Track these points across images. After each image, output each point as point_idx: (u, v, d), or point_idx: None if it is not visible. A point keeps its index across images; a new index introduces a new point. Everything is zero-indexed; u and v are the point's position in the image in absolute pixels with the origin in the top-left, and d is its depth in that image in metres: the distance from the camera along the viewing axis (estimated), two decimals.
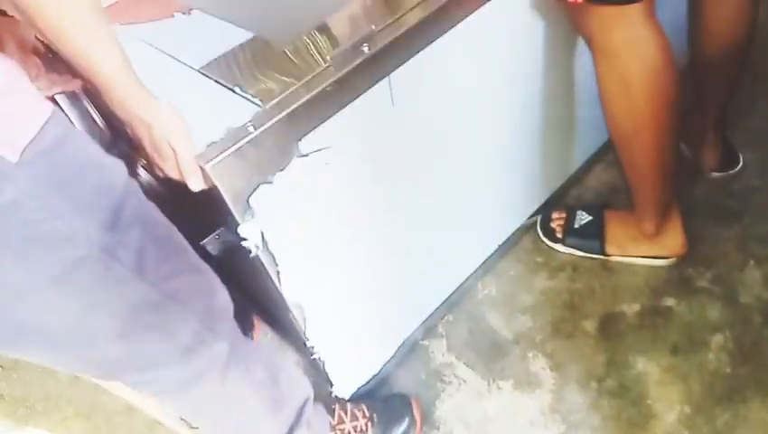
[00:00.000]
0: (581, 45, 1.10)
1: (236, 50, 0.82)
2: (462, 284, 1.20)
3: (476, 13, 0.86)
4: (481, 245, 1.22)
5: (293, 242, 0.79)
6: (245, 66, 0.79)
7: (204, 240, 0.93)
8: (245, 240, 0.72)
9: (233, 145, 0.67)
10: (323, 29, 0.82)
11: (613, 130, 1.01)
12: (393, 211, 0.95)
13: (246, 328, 1.21)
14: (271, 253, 0.76)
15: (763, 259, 1.15)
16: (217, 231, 0.87)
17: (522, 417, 1.03)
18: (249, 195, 0.70)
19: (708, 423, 0.97)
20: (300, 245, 0.81)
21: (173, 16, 0.95)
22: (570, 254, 1.25)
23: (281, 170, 0.72)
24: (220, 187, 0.67)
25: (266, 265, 0.77)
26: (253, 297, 1.22)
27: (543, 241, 1.28)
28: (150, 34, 0.90)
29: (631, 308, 1.14)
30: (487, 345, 1.14)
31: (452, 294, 1.18)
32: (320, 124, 0.74)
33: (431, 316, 1.17)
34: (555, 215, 1.29)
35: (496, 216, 1.22)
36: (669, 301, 1.13)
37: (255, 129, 0.68)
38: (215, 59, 0.81)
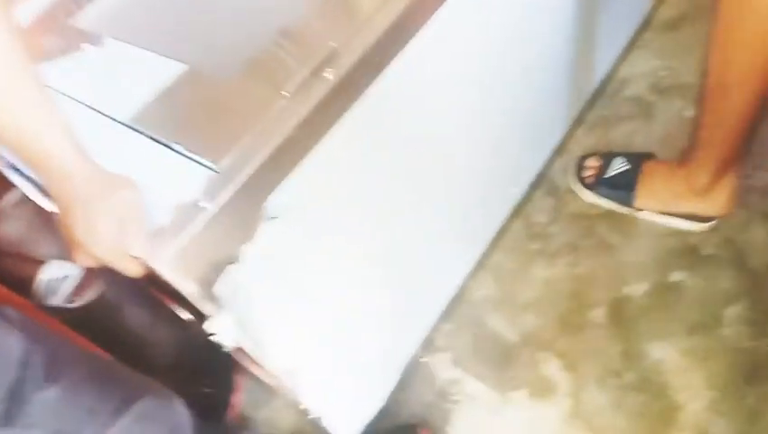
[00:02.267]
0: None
1: (169, 90, 0.67)
2: (457, 290, 1.11)
3: (446, 7, 0.72)
4: (471, 243, 1.12)
5: (272, 315, 0.67)
6: (184, 112, 0.65)
7: None
8: (214, 335, 0.60)
9: (186, 228, 0.54)
10: (273, 54, 0.67)
11: (716, 76, 0.90)
12: (377, 240, 0.83)
13: (226, 389, 1.10)
14: (252, 337, 0.64)
15: (767, 214, 1.09)
16: None
17: (544, 429, 0.97)
18: (213, 284, 0.57)
19: (738, 405, 0.92)
20: (282, 312, 0.69)
21: (79, 48, 0.79)
22: (595, 205, 1.18)
23: (246, 242, 0.60)
24: (175, 284, 0.55)
25: (246, 351, 0.66)
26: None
27: (573, 189, 1.21)
28: (56, 76, 0.73)
29: (639, 288, 1.07)
30: (493, 353, 1.06)
31: (450, 301, 1.09)
32: (286, 175, 0.61)
33: (430, 329, 1.08)
34: (590, 162, 1.21)
35: (483, 210, 1.11)
36: (678, 275, 1.07)
37: (210, 204, 0.55)
38: (145, 106, 0.67)
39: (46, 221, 1.57)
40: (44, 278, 1.33)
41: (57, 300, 1.32)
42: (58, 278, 1.35)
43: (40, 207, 1.34)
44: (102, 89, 0.72)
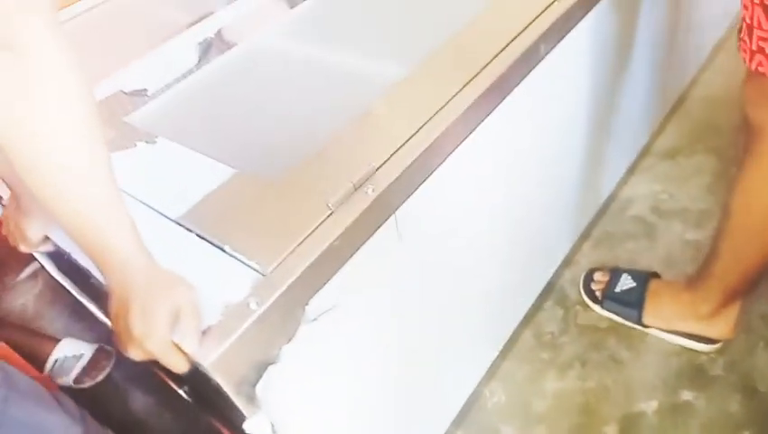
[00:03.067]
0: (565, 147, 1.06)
1: (217, 192, 0.73)
2: (469, 396, 1.11)
3: (473, 135, 0.80)
4: (483, 353, 1.14)
5: (303, 418, 0.68)
6: (231, 214, 0.70)
7: None
8: None
9: (235, 329, 0.56)
10: (316, 165, 0.73)
11: (739, 218, 0.95)
12: (398, 343, 0.86)
13: None
14: None
15: None
16: None
17: None
18: (256, 383, 0.59)
19: None
20: (310, 417, 0.70)
21: (135, 146, 0.85)
22: (605, 318, 1.21)
23: (287, 342, 0.62)
24: (222, 383, 0.57)
25: None
26: (231, 422, 1.09)
27: (583, 300, 1.25)
28: None
29: (649, 406, 1.07)
30: None
31: (461, 409, 1.09)
32: (327, 282, 0.65)
33: None
34: (598, 276, 1.26)
35: (496, 317, 1.14)
36: (687, 395, 1.08)
37: (258, 306, 0.58)
38: (194, 205, 0.71)
39: (57, 296, 1.59)
40: (59, 356, 1.33)
41: (67, 380, 1.31)
42: (70, 357, 1.34)
43: (52, 282, 1.36)
44: (154, 187, 0.77)
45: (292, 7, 1.16)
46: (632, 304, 1.19)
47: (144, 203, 0.74)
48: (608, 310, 1.21)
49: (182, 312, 0.55)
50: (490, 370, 1.16)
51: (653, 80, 1.42)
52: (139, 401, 1.33)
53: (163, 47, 1.07)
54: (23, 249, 0.75)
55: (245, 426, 0.60)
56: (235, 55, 1.05)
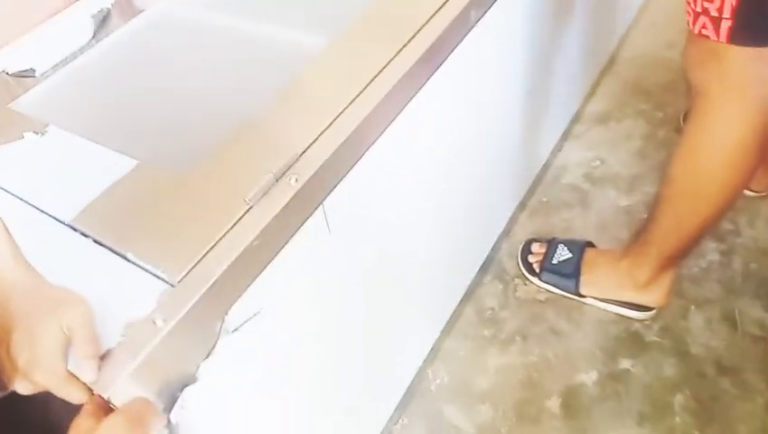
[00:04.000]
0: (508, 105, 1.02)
1: (116, 188, 0.64)
2: (412, 380, 1.08)
3: (404, 111, 0.74)
4: (424, 334, 1.11)
5: (229, 429, 0.62)
6: (133, 215, 0.61)
7: None
8: None
9: (140, 350, 0.49)
10: (231, 153, 0.65)
11: (681, 182, 0.93)
12: (332, 338, 0.80)
13: None
14: None
15: (701, 302, 1.15)
16: None
17: None
18: (170, 409, 0.53)
19: None
20: (239, 426, 0.64)
21: (22, 137, 0.74)
22: (543, 290, 1.21)
23: (206, 358, 0.56)
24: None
25: None
26: None
27: (522, 273, 1.24)
28: None
29: (589, 377, 1.08)
30: None
31: (404, 393, 1.06)
32: (247, 287, 0.58)
33: (386, 423, 1.04)
34: (535, 248, 1.24)
35: (436, 299, 1.11)
36: (625, 363, 1.09)
37: (166, 322, 0.51)
38: (90, 204, 0.62)
39: None
40: None
41: None
42: None
43: None
44: (44, 184, 0.67)
45: None
46: (569, 274, 1.18)
47: (31, 205, 0.65)
48: (546, 282, 1.21)
49: (75, 334, 0.47)
50: (432, 350, 1.13)
51: (584, 42, 1.40)
52: (60, 410, 1.22)
53: (52, 20, 0.94)
54: None
55: None
56: (135, 28, 0.93)
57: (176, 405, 0.53)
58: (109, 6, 0.96)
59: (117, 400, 0.49)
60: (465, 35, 0.81)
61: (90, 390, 0.49)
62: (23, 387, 0.48)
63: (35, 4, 0.96)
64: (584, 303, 1.18)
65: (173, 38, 0.92)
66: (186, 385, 0.53)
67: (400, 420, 1.07)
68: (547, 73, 1.23)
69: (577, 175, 1.42)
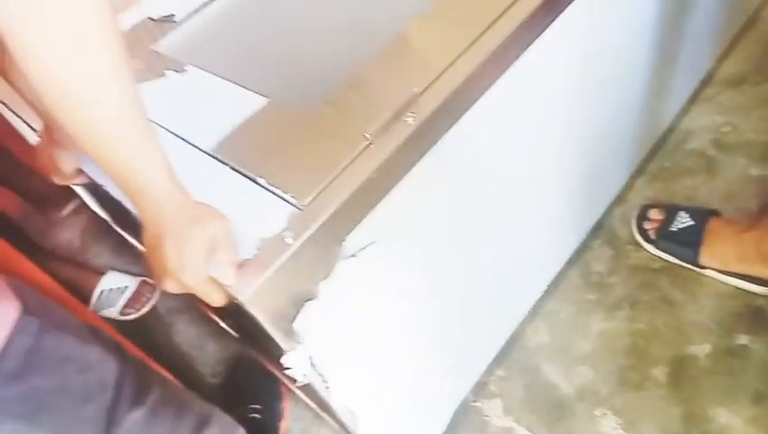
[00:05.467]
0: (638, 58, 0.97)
1: (250, 122, 0.69)
2: (511, 335, 1.09)
3: (522, 57, 0.73)
4: (528, 289, 1.10)
5: (341, 353, 0.67)
6: (265, 146, 0.66)
7: None
8: (289, 369, 0.60)
9: (271, 263, 0.54)
10: (352, 92, 0.68)
11: None
12: (439, 279, 0.83)
13: (274, 416, 1.09)
14: (320, 374, 0.64)
15: None
16: None
17: None
18: (293, 318, 0.58)
19: None
20: (348, 352, 0.69)
21: (163, 75, 0.82)
22: (657, 258, 1.15)
23: (324, 278, 0.60)
24: (259, 318, 0.55)
25: (314, 385, 0.65)
26: (273, 355, 1.10)
27: (635, 240, 1.19)
28: None
29: (702, 349, 1.03)
30: (548, 404, 1.03)
31: (502, 348, 1.07)
32: (364, 216, 0.62)
33: (482, 373, 1.06)
34: (652, 214, 1.19)
35: (543, 256, 1.10)
36: (743, 339, 1.02)
37: (294, 240, 0.55)
38: (227, 137, 0.68)
39: (102, 230, 1.62)
40: (103, 288, 1.36)
41: (112, 312, 1.35)
42: (115, 289, 1.38)
43: (96, 216, 1.38)
44: (184, 117, 0.74)
45: None
46: (689, 243, 1.12)
47: (175, 134, 0.72)
48: (662, 250, 1.15)
49: (218, 244, 0.53)
50: (533, 309, 1.12)
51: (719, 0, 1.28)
52: (183, 334, 1.36)
53: None
54: (58, 181, 0.74)
55: (283, 360, 0.59)
56: None
57: (298, 316, 0.57)
58: None
59: (247, 306, 0.54)
60: None
61: (227, 294, 0.55)
62: (171, 287, 0.55)
63: None
64: (702, 274, 1.11)
65: None
66: (307, 300, 0.58)
67: (496, 372, 1.08)
68: (677, 30, 1.15)
69: (704, 141, 1.33)
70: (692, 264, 1.11)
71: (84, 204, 1.65)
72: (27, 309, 0.46)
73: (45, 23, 0.40)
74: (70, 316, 0.53)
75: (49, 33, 0.41)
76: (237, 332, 1.20)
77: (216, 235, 0.53)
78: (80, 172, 0.73)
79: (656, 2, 1.00)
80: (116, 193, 0.67)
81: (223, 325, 1.25)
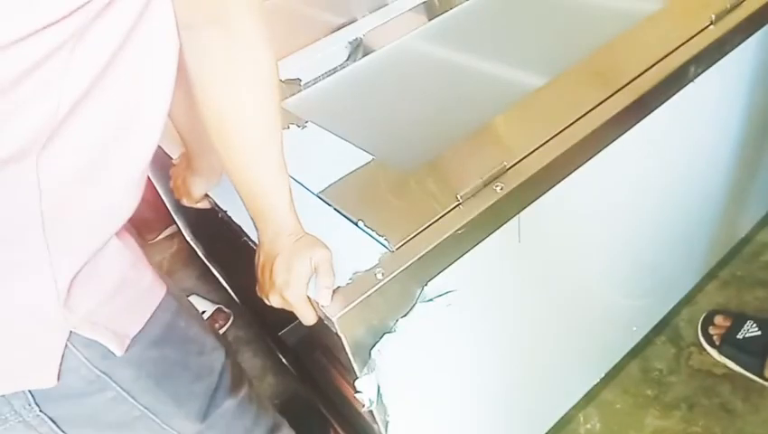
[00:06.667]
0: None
1: (355, 174, 0.79)
2: (562, 416, 1.10)
3: (608, 149, 0.80)
4: (586, 373, 1.12)
5: (406, 390, 0.73)
6: (366, 195, 0.76)
7: (282, 331, 0.87)
8: (359, 392, 0.66)
9: (362, 294, 0.62)
10: (449, 160, 0.78)
11: None
12: (505, 345, 0.88)
13: None
14: (384, 405, 0.70)
15: None
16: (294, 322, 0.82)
17: None
18: (372, 347, 0.65)
19: None
20: (412, 391, 0.74)
21: (288, 128, 0.95)
22: (721, 364, 1.15)
23: (404, 316, 0.67)
24: (344, 340, 0.63)
25: (376, 416, 0.71)
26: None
27: (699, 342, 1.19)
28: None
29: None
30: None
31: (551, 428, 1.08)
32: (447, 267, 0.69)
33: None
34: (718, 320, 1.19)
35: (604, 342, 1.12)
36: None
37: (383, 277, 0.63)
38: (334, 182, 0.79)
39: (190, 258, 1.76)
40: None
41: None
42: None
43: (187, 245, 1.51)
44: (301, 164, 0.85)
45: (430, 19, 1.21)
46: (755, 353, 1.11)
47: (291, 177, 0.83)
48: (726, 356, 1.14)
49: (320, 269, 0.61)
50: (588, 394, 1.13)
51: None
52: (246, 363, 1.45)
53: (316, 44, 1.17)
54: (186, 202, 0.86)
55: (356, 383, 0.65)
56: (380, 55, 1.13)
57: (375, 346, 0.65)
58: (361, 37, 1.17)
59: (335, 327, 0.62)
60: (681, 89, 0.85)
61: (319, 315, 0.63)
62: (274, 300, 0.64)
63: (305, 29, 1.20)
64: (766, 386, 1.09)
65: (409, 66, 1.10)
66: (386, 332, 0.65)
67: None
68: (763, 143, 1.19)
69: None
70: (757, 375, 1.10)
71: (178, 232, 1.82)
72: (168, 291, 0.55)
73: (236, 81, 0.52)
74: (193, 307, 0.63)
75: (236, 86, 0.52)
76: (295, 370, 1.27)
77: (319, 261, 0.62)
78: (206, 197, 0.85)
79: (741, 112, 1.05)
80: (237, 217, 0.79)
81: (284, 361, 1.32)
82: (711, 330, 1.19)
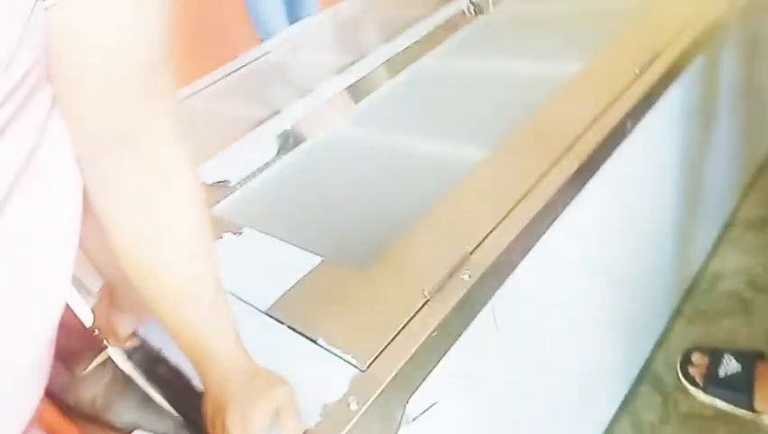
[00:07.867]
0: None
1: (306, 280, 0.71)
2: None
3: (563, 215, 0.77)
4: None
5: None
6: (322, 304, 0.68)
7: None
8: None
9: (337, 432, 0.53)
10: (406, 250, 0.71)
11: None
12: (495, 430, 0.80)
13: None
14: None
15: None
16: None
17: None
18: None
19: None
20: None
21: (221, 237, 0.86)
22: (710, 405, 1.10)
23: None
24: None
25: None
26: None
27: (684, 385, 1.15)
28: None
29: None
30: None
31: None
32: (426, 376, 0.61)
33: None
34: (696, 358, 1.16)
35: (592, 404, 1.06)
36: None
37: (359, 405, 0.54)
38: (283, 295, 0.70)
39: (127, 387, 1.59)
40: None
41: None
42: None
43: (120, 372, 1.36)
44: (241, 277, 0.76)
45: (357, 102, 1.18)
46: (740, 389, 1.08)
47: (232, 294, 0.74)
48: (712, 396, 1.11)
49: (283, 414, 0.52)
50: None
51: (735, 145, 1.36)
52: None
53: (242, 141, 1.10)
54: (112, 342, 0.75)
55: None
56: (312, 145, 1.07)
57: None
58: (289, 128, 1.11)
59: None
60: (621, 142, 0.84)
61: None
62: None
63: (227, 126, 1.14)
64: (757, 419, 1.05)
65: (346, 153, 1.04)
66: None
67: None
68: (700, 177, 1.21)
69: (738, 283, 1.33)
70: (748, 410, 1.06)
71: (108, 359, 1.65)
72: None
73: (150, 214, 0.44)
74: None
75: (150, 220, 0.44)
76: None
77: (280, 403, 0.53)
78: (134, 335, 0.74)
79: (677, 155, 1.06)
80: (174, 358, 0.68)
81: None
82: (691, 370, 1.16)
